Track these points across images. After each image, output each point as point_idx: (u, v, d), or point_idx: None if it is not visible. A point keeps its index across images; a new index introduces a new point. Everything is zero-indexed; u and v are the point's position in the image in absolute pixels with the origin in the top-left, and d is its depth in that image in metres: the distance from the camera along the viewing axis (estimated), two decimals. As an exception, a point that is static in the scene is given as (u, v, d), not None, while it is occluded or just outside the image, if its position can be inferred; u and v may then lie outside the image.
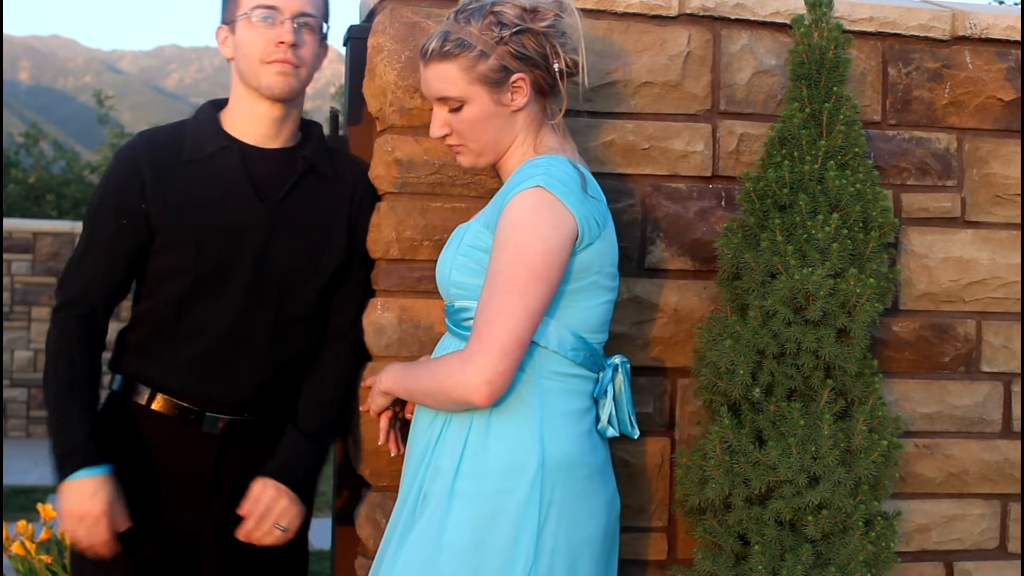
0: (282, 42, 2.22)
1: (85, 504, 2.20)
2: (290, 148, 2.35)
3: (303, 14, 2.25)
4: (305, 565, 2.46)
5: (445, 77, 2.03)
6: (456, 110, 2.05)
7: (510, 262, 1.92)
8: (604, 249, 2.02)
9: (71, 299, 2.30)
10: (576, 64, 2.09)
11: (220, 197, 2.27)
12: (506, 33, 2.01)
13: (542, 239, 1.92)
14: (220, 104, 2.40)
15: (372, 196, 2.39)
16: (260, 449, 2.35)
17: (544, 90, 2.08)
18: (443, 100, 2.05)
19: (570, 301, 2.01)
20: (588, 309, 2.03)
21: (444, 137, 2.10)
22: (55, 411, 2.25)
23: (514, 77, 2.03)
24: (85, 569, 2.34)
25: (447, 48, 2.02)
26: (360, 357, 2.38)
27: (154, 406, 2.30)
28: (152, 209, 2.27)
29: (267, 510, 2.26)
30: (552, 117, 2.12)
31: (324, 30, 2.33)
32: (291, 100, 2.31)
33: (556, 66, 2.05)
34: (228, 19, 2.30)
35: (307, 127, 2.41)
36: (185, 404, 2.30)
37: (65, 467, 2.22)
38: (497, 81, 2.02)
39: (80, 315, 2.29)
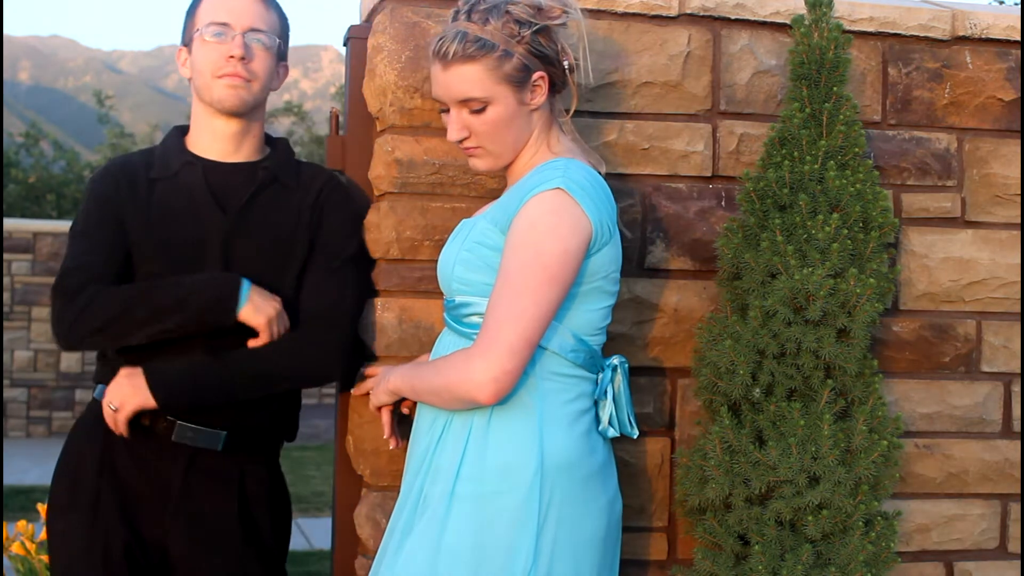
0: (232, 56, 2.27)
1: (272, 305, 2.26)
2: (253, 161, 2.39)
3: (254, 29, 2.30)
4: None
5: (469, 79, 2.00)
6: (479, 111, 2.03)
7: (526, 262, 1.92)
8: (612, 255, 2.03)
9: (80, 283, 2.25)
10: (577, 61, 2.09)
11: (185, 210, 2.31)
12: (526, 32, 2.00)
13: (560, 241, 1.93)
14: (185, 129, 2.44)
15: (337, 195, 2.40)
16: (234, 467, 2.35)
17: (557, 88, 2.09)
18: (464, 102, 2.03)
19: (575, 304, 2.01)
20: (590, 312, 2.03)
21: (461, 141, 2.08)
22: (161, 308, 2.23)
23: (535, 75, 2.03)
24: (61, 567, 2.34)
25: (470, 50, 1.99)
26: (341, 350, 2.32)
27: None
28: (128, 223, 2.31)
29: (112, 387, 2.27)
30: (560, 116, 2.13)
31: (279, 47, 2.36)
32: (246, 114, 2.35)
33: (566, 63, 2.06)
34: (186, 40, 2.36)
35: (272, 142, 2.45)
36: (158, 413, 2.29)
37: (231, 302, 2.23)
38: (520, 80, 2.02)
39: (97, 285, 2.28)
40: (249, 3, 2.32)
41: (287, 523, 2.48)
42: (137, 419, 2.28)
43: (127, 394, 2.25)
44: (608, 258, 2.02)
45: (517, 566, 1.93)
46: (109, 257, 2.29)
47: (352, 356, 2.35)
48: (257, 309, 2.24)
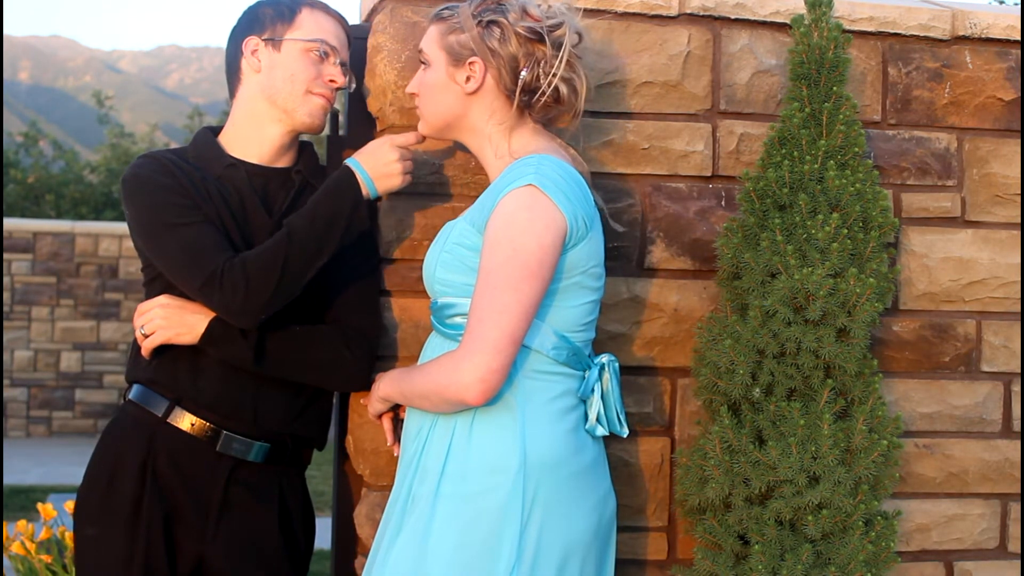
0: (333, 80, 2.30)
1: (386, 145, 2.22)
2: (287, 167, 2.38)
3: (344, 63, 2.34)
4: None
5: (428, 36, 2.14)
6: (426, 70, 2.14)
7: (504, 260, 1.93)
8: (591, 250, 2.03)
9: (218, 265, 2.15)
10: (560, 93, 2.08)
11: (238, 210, 2.29)
12: (485, 17, 2.06)
13: (536, 237, 1.93)
14: (216, 130, 2.41)
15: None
16: (274, 480, 2.34)
17: (506, 86, 2.08)
18: (420, 54, 2.15)
19: (554, 300, 2.02)
20: (571, 308, 2.04)
21: (413, 97, 2.19)
22: (311, 253, 2.17)
23: (470, 59, 2.07)
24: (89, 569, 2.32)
25: (442, 12, 2.12)
26: (372, 364, 2.32)
27: (170, 420, 2.28)
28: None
29: (145, 309, 2.26)
30: (537, 119, 2.13)
31: None
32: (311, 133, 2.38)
33: (523, 75, 2.06)
34: (270, 36, 2.30)
35: (301, 147, 2.43)
36: (204, 421, 2.27)
37: (362, 207, 2.22)
38: (457, 56, 2.09)
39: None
40: (346, 39, 2.37)
41: (314, 532, 2.48)
42: (180, 428, 2.27)
43: (159, 324, 2.24)
44: (586, 253, 2.02)
45: (500, 565, 1.94)
46: (216, 228, 2.22)
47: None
48: (387, 177, 2.21)
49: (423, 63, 2.14)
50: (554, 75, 2.06)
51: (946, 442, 2.58)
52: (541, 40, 2.06)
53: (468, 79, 2.08)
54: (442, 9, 2.13)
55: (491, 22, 2.06)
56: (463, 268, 2.02)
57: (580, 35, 2.13)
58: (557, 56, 2.06)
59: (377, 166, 2.20)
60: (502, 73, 2.07)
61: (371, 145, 2.23)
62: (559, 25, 2.07)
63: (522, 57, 2.06)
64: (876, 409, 2.21)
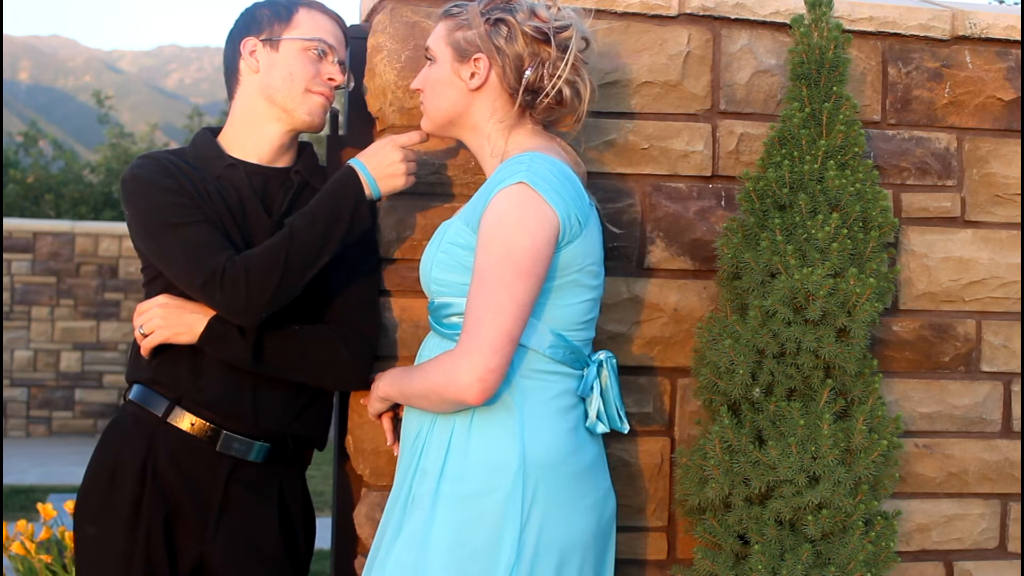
0: (332, 79, 2.32)
1: (389, 145, 2.22)
2: (287, 167, 2.38)
3: (342, 62, 2.36)
4: None
5: (435, 33, 2.15)
6: (431, 66, 2.15)
7: (497, 258, 1.93)
8: (586, 248, 2.03)
9: (219, 263, 2.15)
10: (563, 95, 2.09)
11: (238, 210, 2.29)
12: (493, 15, 2.07)
13: (528, 235, 1.93)
14: (215, 131, 2.42)
15: None
16: (274, 480, 2.33)
17: (510, 85, 2.09)
18: (426, 51, 2.16)
19: (549, 299, 2.01)
20: (567, 307, 2.03)
21: (418, 92, 2.20)
22: (312, 251, 2.18)
23: (475, 55, 2.08)
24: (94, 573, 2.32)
25: (451, 9, 2.14)
26: (370, 364, 2.32)
27: (170, 420, 2.27)
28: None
29: (144, 308, 2.26)
30: (538, 120, 2.13)
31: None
32: (311, 132, 2.38)
33: (527, 74, 2.07)
34: (268, 37, 2.31)
35: (300, 147, 2.44)
36: (204, 421, 2.27)
37: (365, 205, 2.21)
38: (462, 52, 2.10)
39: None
40: (343, 38, 2.38)
41: (314, 532, 2.48)
42: (180, 428, 2.26)
43: (155, 322, 2.24)
44: (581, 251, 2.02)
45: (500, 565, 1.94)
46: (217, 227, 2.22)
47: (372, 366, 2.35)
48: (391, 177, 2.22)
49: (428, 59, 2.15)
50: (559, 77, 2.07)
51: (946, 442, 2.58)
52: (547, 41, 2.06)
53: (472, 75, 2.09)
54: (451, 6, 2.14)
55: (498, 20, 2.07)
56: (459, 267, 2.02)
57: (587, 40, 2.13)
58: (563, 59, 2.07)
59: (381, 166, 2.21)
60: (506, 71, 2.07)
61: (374, 146, 2.23)
62: (566, 28, 2.08)
63: (527, 57, 2.06)
64: (876, 409, 2.21)
